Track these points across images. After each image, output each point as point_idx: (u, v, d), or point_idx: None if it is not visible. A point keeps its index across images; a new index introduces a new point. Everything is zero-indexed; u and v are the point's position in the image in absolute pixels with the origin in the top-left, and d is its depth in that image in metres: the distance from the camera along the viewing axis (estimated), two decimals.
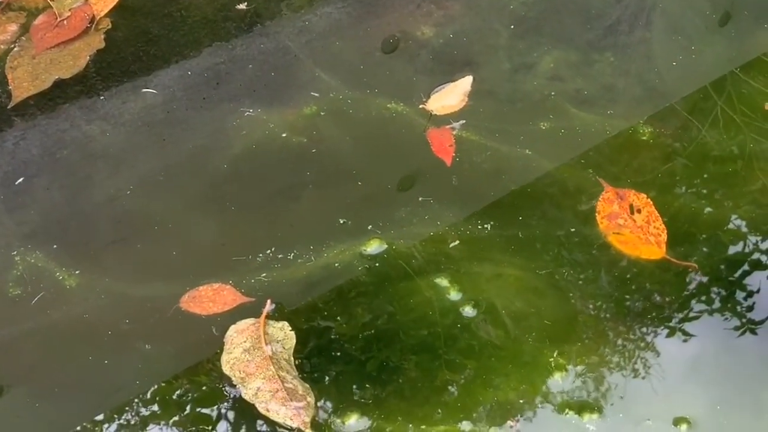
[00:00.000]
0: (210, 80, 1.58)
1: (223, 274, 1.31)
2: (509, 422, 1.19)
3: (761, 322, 1.30)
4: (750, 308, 1.31)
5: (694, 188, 1.46)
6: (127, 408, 1.21)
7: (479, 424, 1.19)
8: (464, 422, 1.19)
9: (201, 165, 1.46)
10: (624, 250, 1.38)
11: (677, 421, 1.19)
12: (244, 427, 1.18)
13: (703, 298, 1.32)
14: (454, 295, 1.31)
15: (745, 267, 1.36)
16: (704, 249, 1.38)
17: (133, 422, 1.19)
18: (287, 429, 1.16)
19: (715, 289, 1.33)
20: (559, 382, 1.23)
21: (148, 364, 1.22)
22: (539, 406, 1.21)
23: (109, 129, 1.51)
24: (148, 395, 1.20)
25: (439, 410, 1.20)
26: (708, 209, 1.43)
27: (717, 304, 1.32)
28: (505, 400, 1.21)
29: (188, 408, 1.19)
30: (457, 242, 1.37)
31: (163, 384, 1.21)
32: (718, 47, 1.66)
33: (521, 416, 1.19)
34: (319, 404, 1.19)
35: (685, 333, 1.29)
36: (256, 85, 1.57)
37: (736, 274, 1.35)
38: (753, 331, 1.29)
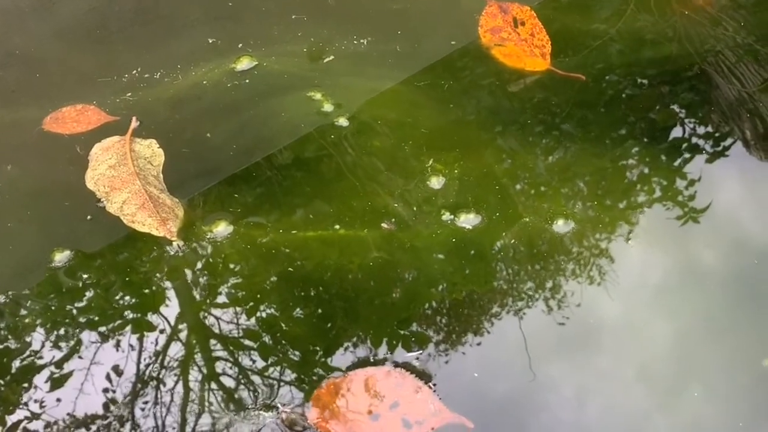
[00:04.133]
0: None
1: (87, 96, 1.27)
2: (383, 224, 1.17)
3: (640, 117, 1.29)
4: (626, 114, 1.30)
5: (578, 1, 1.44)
6: None
7: (352, 227, 1.17)
8: (336, 226, 1.17)
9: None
10: (507, 63, 1.36)
11: (554, 216, 1.18)
12: (108, 240, 1.15)
13: (586, 104, 1.31)
14: (328, 107, 1.27)
15: (628, 73, 1.34)
16: (588, 60, 1.36)
17: None
18: (154, 239, 1.14)
19: (598, 97, 1.32)
20: (435, 186, 1.20)
21: (11, 183, 1.19)
22: (414, 209, 1.19)
23: None
24: (10, 212, 1.17)
25: (311, 215, 1.18)
26: (594, 23, 1.41)
27: (600, 110, 1.30)
28: (380, 204, 1.18)
29: (52, 224, 1.16)
30: (332, 58, 1.33)
31: (25, 202, 1.18)
32: None
33: (395, 219, 1.18)
34: (187, 216, 1.16)
35: (566, 137, 1.27)
36: None
37: (619, 83, 1.33)
38: (634, 136, 1.28)
